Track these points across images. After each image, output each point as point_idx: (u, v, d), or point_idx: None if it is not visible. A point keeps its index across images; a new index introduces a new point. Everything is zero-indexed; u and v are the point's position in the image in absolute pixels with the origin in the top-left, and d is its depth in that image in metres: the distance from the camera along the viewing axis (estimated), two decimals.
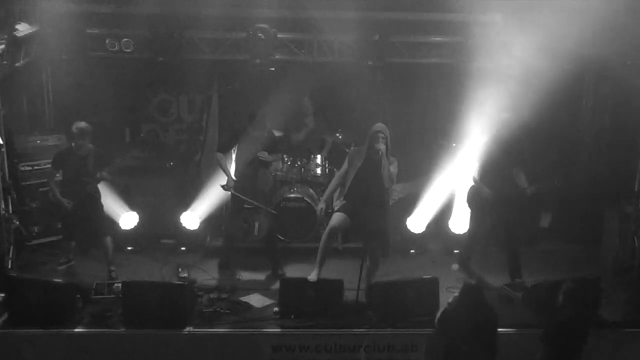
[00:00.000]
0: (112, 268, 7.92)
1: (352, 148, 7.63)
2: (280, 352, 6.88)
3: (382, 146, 7.07)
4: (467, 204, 8.13)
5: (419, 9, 8.49)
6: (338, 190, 7.61)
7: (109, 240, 7.95)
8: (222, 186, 7.94)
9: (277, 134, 8.57)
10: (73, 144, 7.73)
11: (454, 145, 8.72)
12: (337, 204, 7.60)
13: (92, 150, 7.74)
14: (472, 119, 8.28)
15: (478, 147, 7.99)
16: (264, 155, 7.97)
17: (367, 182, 7.21)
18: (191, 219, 8.59)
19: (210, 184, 8.57)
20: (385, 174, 7.11)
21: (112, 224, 8.26)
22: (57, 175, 7.91)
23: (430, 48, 8.79)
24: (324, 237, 7.35)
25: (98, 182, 7.77)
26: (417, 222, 8.66)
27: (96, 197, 7.87)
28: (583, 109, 9.41)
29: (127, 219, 8.47)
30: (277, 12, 8.52)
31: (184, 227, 8.64)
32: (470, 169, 7.95)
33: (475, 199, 7.96)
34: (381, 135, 7.13)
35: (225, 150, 8.07)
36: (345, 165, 7.45)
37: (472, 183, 7.92)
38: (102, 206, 7.98)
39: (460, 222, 8.54)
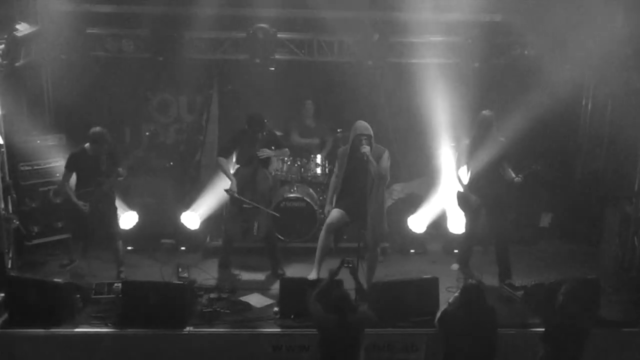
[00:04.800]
0: (122, 269, 7.92)
1: (340, 148, 7.64)
2: (280, 352, 6.88)
3: (366, 148, 7.05)
4: (458, 207, 8.17)
5: (419, 9, 8.50)
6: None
7: (120, 242, 7.95)
8: (226, 190, 7.96)
9: (278, 133, 8.58)
10: (86, 146, 7.70)
11: (453, 145, 8.73)
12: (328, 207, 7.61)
13: (105, 150, 7.72)
14: (471, 119, 8.28)
15: (462, 149, 8.03)
16: (265, 152, 7.97)
17: (357, 180, 7.20)
18: (192, 218, 8.60)
19: (211, 184, 8.57)
20: (375, 173, 7.10)
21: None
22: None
23: (430, 48, 8.80)
24: (321, 235, 7.34)
25: (114, 180, 7.74)
26: (419, 221, 8.66)
27: (112, 197, 7.84)
28: (583, 109, 9.41)
29: (127, 219, 8.47)
30: (277, 12, 8.52)
31: (184, 227, 8.64)
32: (455, 172, 7.97)
33: (464, 202, 7.99)
34: (363, 137, 7.12)
35: (226, 153, 8.06)
36: (337, 165, 7.48)
37: (460, 187, 7.93)
38: (116, 208, 7.96)
39: (458, 223, 8.55)
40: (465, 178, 7.90)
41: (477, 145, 7.83)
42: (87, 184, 7.67)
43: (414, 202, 8.82)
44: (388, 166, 7.26)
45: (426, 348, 6.90)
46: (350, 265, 6.51)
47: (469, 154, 7.89)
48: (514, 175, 7.73)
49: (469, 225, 8.15)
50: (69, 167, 7.76)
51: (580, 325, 6.23)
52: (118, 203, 8.12)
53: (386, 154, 7.24)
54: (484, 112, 7.89)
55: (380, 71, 8.98)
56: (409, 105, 9.30)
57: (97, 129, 7.65)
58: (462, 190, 7.91)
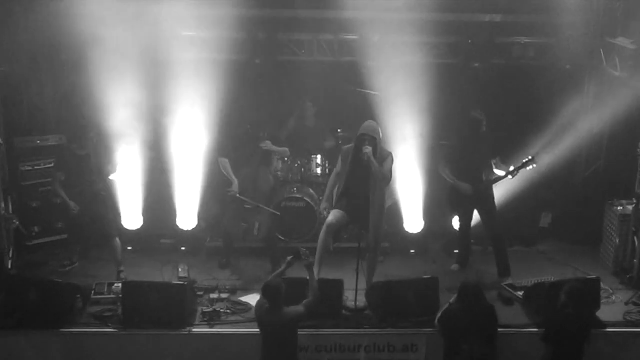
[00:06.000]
0: (122, 269, 7.92)
1: (343, 147, 7.63)
2: None
3: (367, 149, 7.04)
4: (450, 204, 8.18)
5: (420, 9, 8.50)
6: (337, 188, 7.58)
7: (117, 241, 7.94)
8: (228, 191, 7.97)
9: (279, 134, 8.59)
10: (74, 145, 7.70)
11: (445, 143, 8.73)
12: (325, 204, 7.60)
13: (93, 148, 7.71)
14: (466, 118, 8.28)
15: (452, 146, 8.02)
16: (268, 145, 7.96)
17: (359, 180, 7.19)
18: (188, 219, 8.60)
19: (211, 185, 8.57)
20: (376, 174, 7.10)
21: (119, 224, 8.26)
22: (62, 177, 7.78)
23: (430, 48, 8.80)
24: (321, 235, 7.33)
25: (105, 179, 7.71)
26: (412, 222, 8.64)
27: (104, 196, 7.82)
28: (583, 109, 9.40)
29: (132, 220, 8.46)
30: (277, 12, 8.52)
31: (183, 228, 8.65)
32: (443, 170, 7.99)
33: (453, 198, 8.00)
34: (367, 137, 7.11)
35: (228, 154, 8.06)
36: (339, 164, 7.47)
37: (450, 181, 7.94)
38: (110, 206, 7.94)
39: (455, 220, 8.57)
40: (452, 176, 7.93)
41: (467, 145, 7.85)
42: (77, 183, 7.67)
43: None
44: (391, 168, 7.27)
45: (426, 348, 6.90)
46: (303, 259, 6.38)
47: (457, 153, 7.91)
48: (508, 170, 7.76)
49: (463, 223, 8.20)
50: (57, 168, 7.76)
51: (581, 326, 6.23)
52: (130, 204, 8.13)
53: (391, 157, 7.25)
54: (473, 113, 7.90)
55: (381, 71, 8.98)
56: (409, 105, 9.29)
57: (82, 123, 7.65)
58: (452, 183, 7.92)
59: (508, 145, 8.44)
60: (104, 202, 7.84)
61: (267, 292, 6.00)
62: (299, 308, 6.08)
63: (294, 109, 9.18)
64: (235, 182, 8.01)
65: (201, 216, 8.77)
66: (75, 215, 7.71)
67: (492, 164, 7.91)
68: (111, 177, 7.77)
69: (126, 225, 8.38)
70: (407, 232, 8.70)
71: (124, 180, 8.10)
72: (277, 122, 8.89)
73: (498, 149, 7.98)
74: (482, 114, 7.91)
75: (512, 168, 7.76)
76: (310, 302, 6.15)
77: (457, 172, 7.90)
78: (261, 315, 6.07)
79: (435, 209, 8.69)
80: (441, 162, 8.01)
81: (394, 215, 8.58)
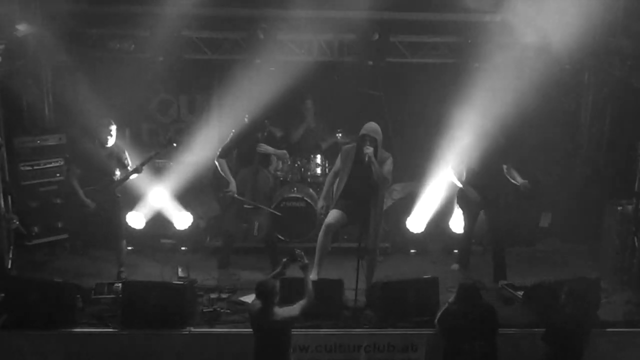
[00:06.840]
0: (122, 269, 7.92)
1: (344, 147, 7.64)
2: None
3: (369, 150, 7.04)
4: (457, 205, 8.19)
5: (419, 9, 8.50)
6: (336, 188, 7.58)
7: (124, 243, 7.94)
8: (226, 191, 7.97)
9: (277, 133, 8.58)
10: (97, 142, 7.65)
11: (452, 144, 8.74)
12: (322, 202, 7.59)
13: (116, 147, 7.69)
14: (470, 119, 8.29)
15: (464, 149, 8.04)
16: (264, 147, 7.97)
17: (359, 181, 7.19)
18: (185, 218, 8.59)
19: (211, 185, 8.58)
20: (377, 175, 7.10)
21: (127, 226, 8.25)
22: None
23: (430, 48, 8.81)
24: (320, 235, 7.33)
25: (125, 180, 7.68)
26: (416, 222, 8.66)
27: (120, 198, 7.79)
28: (583, 109, 9.41)
29: (135, 219, 8.46)
30: (277, 12, 8.52)
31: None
32: (456, 170, 7.99)
33: (464, 198, 8.01)
34: (368, 138, 7.11)
35: (226, 155, 8.05)
36: (338, 163, 7.46)
37: (459, 185, 7.95)
38: (124, 209, 7.95)
39: (459, 222, 8.56)
40: (463, 177, 7.94)
41: (478, 147, 7.85)
42: (96, 182, 7.65)
43: (413, 202, 8.81)
44: (390, 170, 7.28)
45: (426, 348, 6.90)
46: (298, 260, 6.28)
47: (468, 155, 7.91)
48: (520, 179, 7.76)
49: (467, 224, 8.19)
50: (76, 164, 7.71)
51: (581, 325, 6.24)
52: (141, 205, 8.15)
53: (390, 159, 7.26)
54: (485, 122, 7.91)
55: (380, 71, 8.98)
56: (409, 105, 9.31)
57: (114, 125, 7.62)
58: (461, 186, 7.95)
59: (507, 145, 8.44)
60: (119, 204, 7.82)
61: (260, 292, 5.96)
62: (293, 309, 6.02)
63: (294, 109, 9.17)
64: (233, 182, 8.00)
65: (201, 216, 8.77)
66: (89, 212, 7.65)
67: (503, 169, 7.91)
68: (130, 178, 7.74)
69: (130, 224, 8.39)
70: (408, 232, 8.71)
71: (141, 183, 8.10)
72: (276, 123, 8.88)
73: (509, 155, 7.98)
74: (492, 123, 7.92)
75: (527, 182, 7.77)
76: (304, 304, 6.09)
77: (471, 174, 7.90)
78: (253, 315, 6.03)
79: (436, 210, 8.70)
80: (453, 164, 8.03)
81: (396, 213, 8.59)
